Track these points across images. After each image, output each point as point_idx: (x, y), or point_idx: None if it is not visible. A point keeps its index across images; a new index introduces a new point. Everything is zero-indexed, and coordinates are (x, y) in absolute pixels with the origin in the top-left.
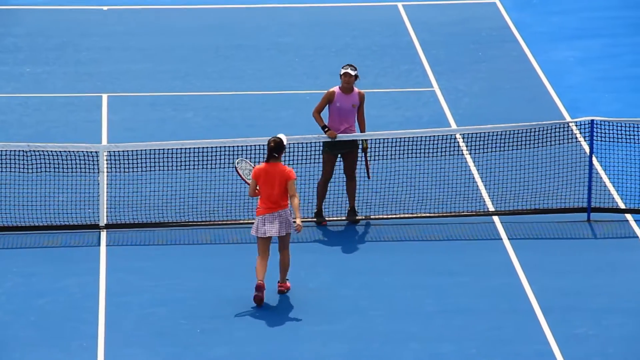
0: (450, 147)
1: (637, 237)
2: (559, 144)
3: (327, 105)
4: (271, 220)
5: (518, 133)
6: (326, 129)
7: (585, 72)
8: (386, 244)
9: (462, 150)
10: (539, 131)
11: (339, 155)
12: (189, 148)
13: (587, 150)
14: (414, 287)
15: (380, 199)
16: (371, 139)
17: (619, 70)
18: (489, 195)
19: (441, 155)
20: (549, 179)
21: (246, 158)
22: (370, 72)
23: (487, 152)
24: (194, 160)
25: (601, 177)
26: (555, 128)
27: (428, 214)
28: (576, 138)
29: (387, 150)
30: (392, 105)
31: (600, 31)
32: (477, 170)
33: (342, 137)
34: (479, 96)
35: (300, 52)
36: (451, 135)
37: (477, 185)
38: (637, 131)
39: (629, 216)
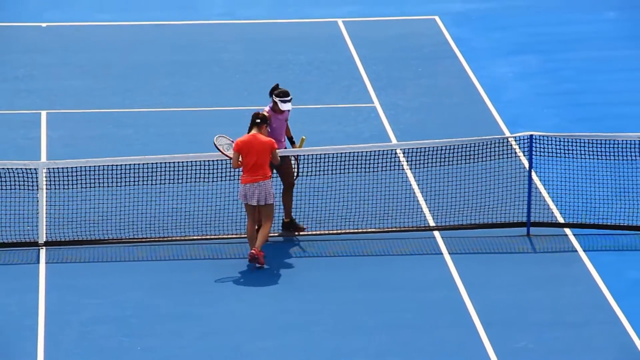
0: (390, 162)
1: (576, 251)
2: (499, 158)
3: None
4: (252, 191)
5: (458, 148)
6: None
7: (524, 88)
8: (328, 259)
9: (402, 165)
10: (478, 146)
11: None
12: (129, 164)
13: (527, 165)
14: (357, 303)
15: (321, 214)
16: (313, 155)
17: (556, 85)
18: (429, 210)
19: (382, 171)
20: (489, 194)
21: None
22: (311, 88)
23: (427, 167)
24: (133, 177)
25: (540, 192)
26: (494, 143)
27: (369, 229)
28: (515, 153)
29: (328, 166)
30: (333, 120)
31: (538, 46)
32: (418, 185)
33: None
34: (419, 111)
35: (241, 68)
36: (392, 150)
37: (418, 200)
38: (575, 146)
39: (567, 230)
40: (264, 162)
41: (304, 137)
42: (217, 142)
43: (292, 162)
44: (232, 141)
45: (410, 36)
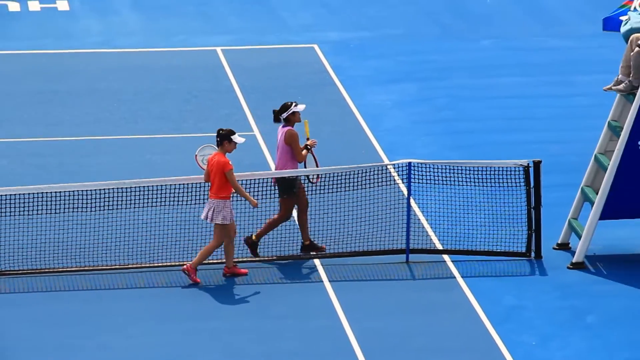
0: (271, 190)
1: (454, 277)
2: (378, 186)
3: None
4: (206, 206)
5: (337, 176)
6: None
7: (402, 116)
8: (210, 289)
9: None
10: (357, 174)
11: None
12: (3, 195)
13: (405, 192)
14: (239, 331)
15: (201, 244)
16: (189, 184)
17: (433, 113)
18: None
19: (262, 198)
20: (368, 221)
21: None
22: (190, 117)
23: (307, 195)
24: (7, 208)
25: (419, 219)
26: (373, 171)
27: (250, 258)
28: (394, 180)
29: (206, 195)
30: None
31: (415, 75)
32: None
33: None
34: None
35: (119, 97)
36: (270, 178)
37: (298, 228)
38: (452, 173)
39: (446, 257)
40: (216, 181)
41: (306, 120)
42: (200, 152)
43: (303, 180)
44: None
45: (289, 65)
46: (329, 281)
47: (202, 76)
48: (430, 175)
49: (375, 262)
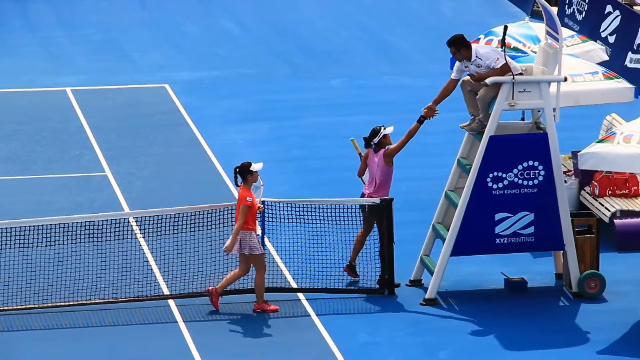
0: (123, 231)
1: (309, 315)
2: (232, 225)
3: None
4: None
5: (191, 215)
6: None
7: (255, 155)
8: (62, 331)
9: (135, 234)
10: (211, 213)
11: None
12: None
13: (259, 231)
14: None
15: (52, 285)
16: (42, 225)
17: (286, 152)
18: (163, 279)
19: (114, 240)
20: (222, 261)
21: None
22: (40, 158)
23: (160, 235)
24: None
25: (273, 257)
26: (227, 210)
27: (103, 300)
28: None
29: (59, 236)
30: (63, 190)
31: (267, 114)
32: (152, 253)
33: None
34: (151, 180)
35: None
36: (124, 219)
37: (152, 269)
38: (306, 211)
39: (301, 295)
40: (237, 215)
41: (352, 138)
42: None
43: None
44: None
45: (141, 104)
46: (184, 322)
47: (52, 117)
48: (284, 214)
49: (230, 302)
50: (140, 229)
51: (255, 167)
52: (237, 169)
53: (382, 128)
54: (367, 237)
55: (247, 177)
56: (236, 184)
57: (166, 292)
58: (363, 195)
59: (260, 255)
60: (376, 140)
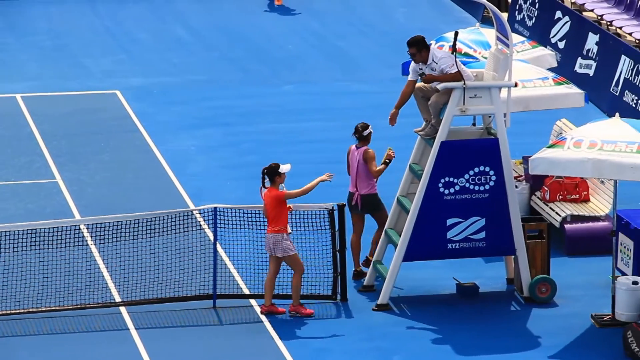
0: (74, 238)
1: (262, 321)
2: (184, 232)
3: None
4: (266, 240)
5: (143, 222)
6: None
7: (207, 161)
8: (13, 340)
9: (87, 241)
10: (163, 220)
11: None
12: None
13: (212, 237)
14: None
15: (4, 293)
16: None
17: (238, 158)
18: (115, 286)
19: (66, 247)
20: (175, 267)
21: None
22: None
23: (112, 242)
24: None
25: (226, 264)
26: (179, 216)
27: (54, 307)
28: (200, 226)
29: (10, 243)
30: (13, 198)
31: (219, 120)
32: (103, 260)
33: None
34: (102, 186)
35: None
36: (75, 226)
37: (103, 276)
38: (259, 217)
39: (253, 301)
40: (272, 215)
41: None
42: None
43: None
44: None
45: (92, 111)
46: (136, 329)
47: (2, 123)
48: (236, 220)
49: (182, 309)
50: (91, 236)
51: (284, 168)
52: (266, 170)
53: (370, 126)
54: (361, 236)
55: (275, 179)
56: (263, 186)
57: (118, 299)
58: (351, 194)
59: (295, 255)
60: (366, 132)
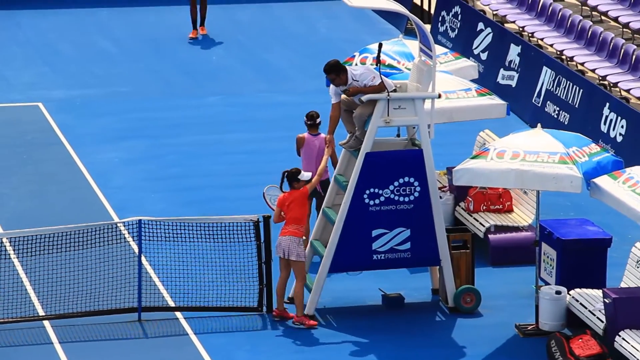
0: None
1: (187, 334)
2: (108, 244)
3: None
4: (279, 242)
5: (67, 235)
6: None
7: (131, 173)
8: None
9: (9, 255)
10: (87, 232)
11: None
12: None
13: (136, 249)
14: None
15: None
16: None
17: (162, 170)
18: (38, 299)
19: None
20: (99, 280)
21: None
22: None
23: (35, 256)
24: None
25: (151, 276)
26: (103, 229)
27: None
28: (125, 238)
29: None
30: None
31: (143, 132)
32: (26, 274)
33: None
34: (25, 199)
35: None
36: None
37: (27, 290)
38: (183, 229)
39: (179, 314)
40: (292, 215)
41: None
42: (267, 191)
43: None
44: (281, 193)
45: (14, 123)
46: (59, 342)
47: None
48: (161, 233)
49: (106, 322)
50: (14, 250)
51: (304, 175)
52: (286, 173)
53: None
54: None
55: (294, 184)
56: (281, 189)
57: (41, 312)
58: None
59: (303, 263)
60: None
